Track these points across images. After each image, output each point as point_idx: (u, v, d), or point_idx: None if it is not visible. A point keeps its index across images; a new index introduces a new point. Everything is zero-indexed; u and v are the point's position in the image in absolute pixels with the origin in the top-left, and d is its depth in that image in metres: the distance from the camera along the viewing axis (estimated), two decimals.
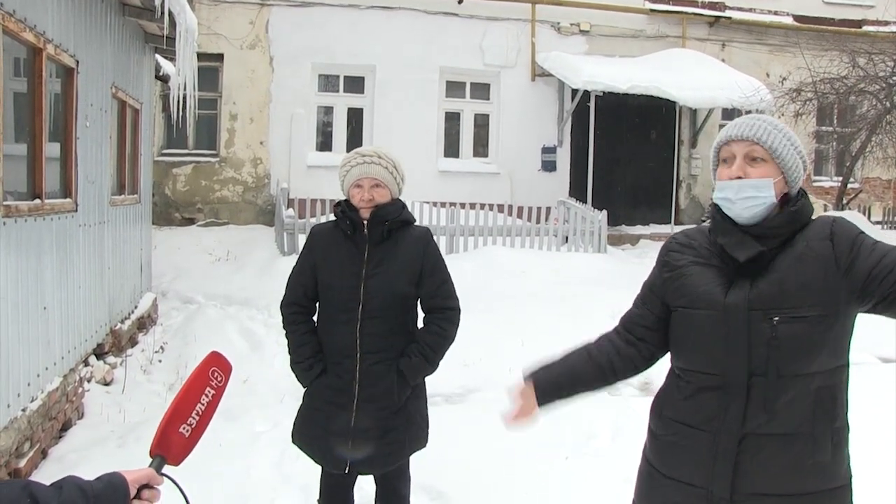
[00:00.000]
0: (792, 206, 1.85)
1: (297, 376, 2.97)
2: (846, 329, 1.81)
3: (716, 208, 1.92)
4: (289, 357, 2.98)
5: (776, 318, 1.76)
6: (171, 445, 1.48)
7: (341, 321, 2.82)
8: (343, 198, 2.96)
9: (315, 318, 3.01)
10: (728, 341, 1.81)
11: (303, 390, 3.01)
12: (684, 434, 1.90)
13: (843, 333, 1.81)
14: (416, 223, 3.00)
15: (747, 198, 1.82)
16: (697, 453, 1.87)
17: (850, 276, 1.76)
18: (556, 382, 2.07)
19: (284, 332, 2.99)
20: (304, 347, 2.90)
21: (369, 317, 2.79)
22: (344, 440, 2.82)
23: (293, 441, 3.02)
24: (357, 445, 2.81)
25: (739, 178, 1.84)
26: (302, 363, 2.90)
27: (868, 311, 1.82)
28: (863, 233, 1.82)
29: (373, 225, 2.83)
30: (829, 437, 1.79)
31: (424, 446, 3.01)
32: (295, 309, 2.96)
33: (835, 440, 1.81)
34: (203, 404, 1.54)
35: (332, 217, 2.98)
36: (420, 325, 2.99)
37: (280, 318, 3.05)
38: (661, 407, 2.00)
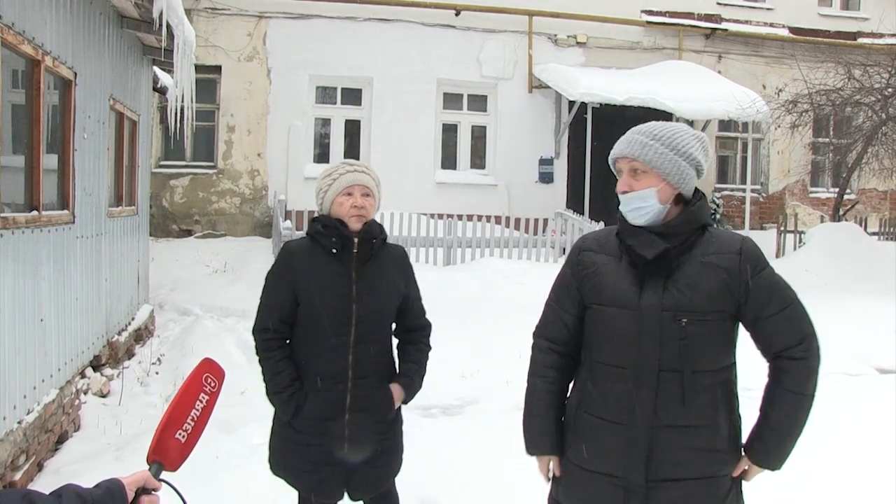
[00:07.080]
0: (691, 206, 2.05)
1: (276, 407, 2.76)
2: (737, 331, 2.06)
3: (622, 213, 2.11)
4: (264, 386, 2.75)
5: (684, 321, 1.95)
6: (167, 451, 1.52)
7: (331, 346, 2.67)
8: (319, 215, 2.79)
9: (290, 342, 2.80)
10: (641, 338, 1.97)
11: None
12: (602, 428, 2.03)
13: (736, 334, 2.06)
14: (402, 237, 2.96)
15: (635, 209, 2.03)
16: (614, 445, 2.01)
17: (744, 293, 1.99)
18: (560, 435, 2.18)
19: (258, 358, 2.77)
20: (282, 375, 2.69)
21: (361, 340, 2.67)
22: (339, 468, 2.70)
23: (273, 471, 2.83)
24: (353, 471, 2.71)
25: (625, 192, 2.04)
26: (281, 393, 2.68)
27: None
28: (769, 265, 2.04)
29: (363, 242, 2.70)
30: (729, 426, 2.02)
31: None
32: (269, 335, 2.74)
33: (732, 429, 2.04)
34: (198, 410, 1.58)
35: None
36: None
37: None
38: (577, 405, 2.11)
